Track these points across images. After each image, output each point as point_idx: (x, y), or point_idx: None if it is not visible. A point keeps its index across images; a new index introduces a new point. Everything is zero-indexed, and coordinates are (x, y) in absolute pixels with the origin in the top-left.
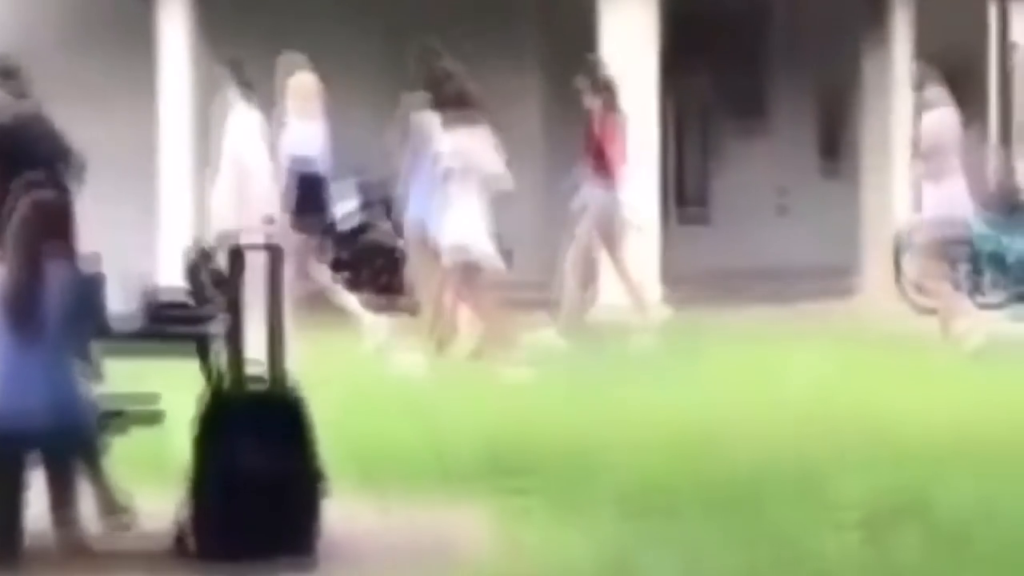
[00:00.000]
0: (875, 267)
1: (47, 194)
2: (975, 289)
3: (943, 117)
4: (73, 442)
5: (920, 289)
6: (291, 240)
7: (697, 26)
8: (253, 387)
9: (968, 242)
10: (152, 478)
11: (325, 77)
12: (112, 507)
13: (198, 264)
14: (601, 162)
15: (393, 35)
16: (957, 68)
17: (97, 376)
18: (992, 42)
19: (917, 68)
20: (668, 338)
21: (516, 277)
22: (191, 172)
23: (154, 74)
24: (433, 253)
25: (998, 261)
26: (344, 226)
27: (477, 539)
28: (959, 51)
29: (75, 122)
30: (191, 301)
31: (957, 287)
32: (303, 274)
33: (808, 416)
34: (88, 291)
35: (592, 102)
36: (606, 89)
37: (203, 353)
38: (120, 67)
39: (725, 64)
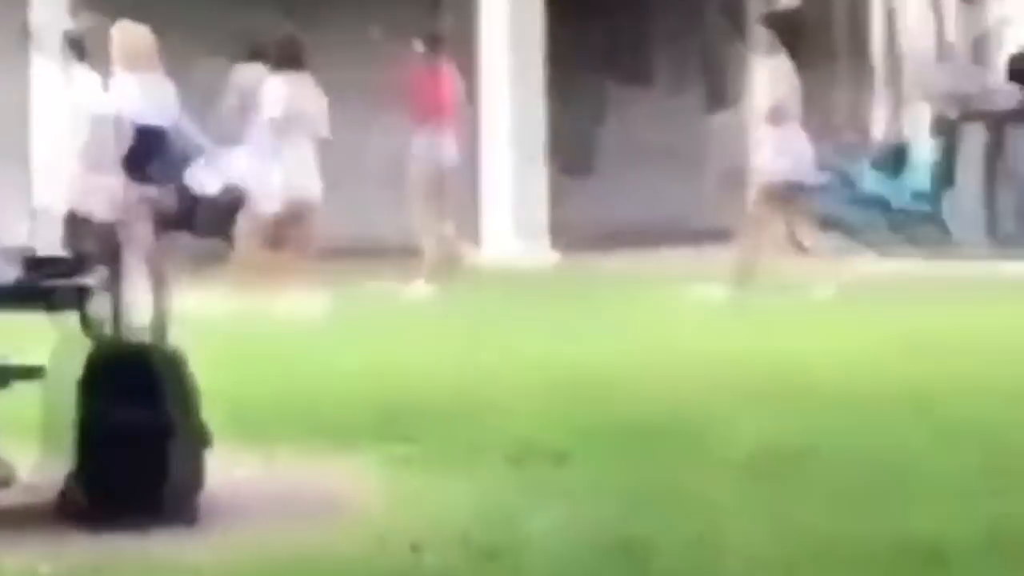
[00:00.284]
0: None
1: None
2: (863, 232)
3: (780, 67)
4: None
5: (749, 234)
6: (130, 197)
7: None
8: (134, 342)
9: (806, 189)
10: (34, 435)
11: (207, 48)
12: None
13: (75, 223)
14: (425, 112)
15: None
16: (840, 19)
17: None
18: None
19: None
20: (555, 284)
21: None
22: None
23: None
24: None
25: (883, 206)
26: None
27: (360, 490)
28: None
29: None
30: (70, 257)
31: (795, 234)
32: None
33: (695, 361)
34: None
35: (418, 50)
36: (433, 38)
37: (83, 308)
38: None
39: (611, 18)
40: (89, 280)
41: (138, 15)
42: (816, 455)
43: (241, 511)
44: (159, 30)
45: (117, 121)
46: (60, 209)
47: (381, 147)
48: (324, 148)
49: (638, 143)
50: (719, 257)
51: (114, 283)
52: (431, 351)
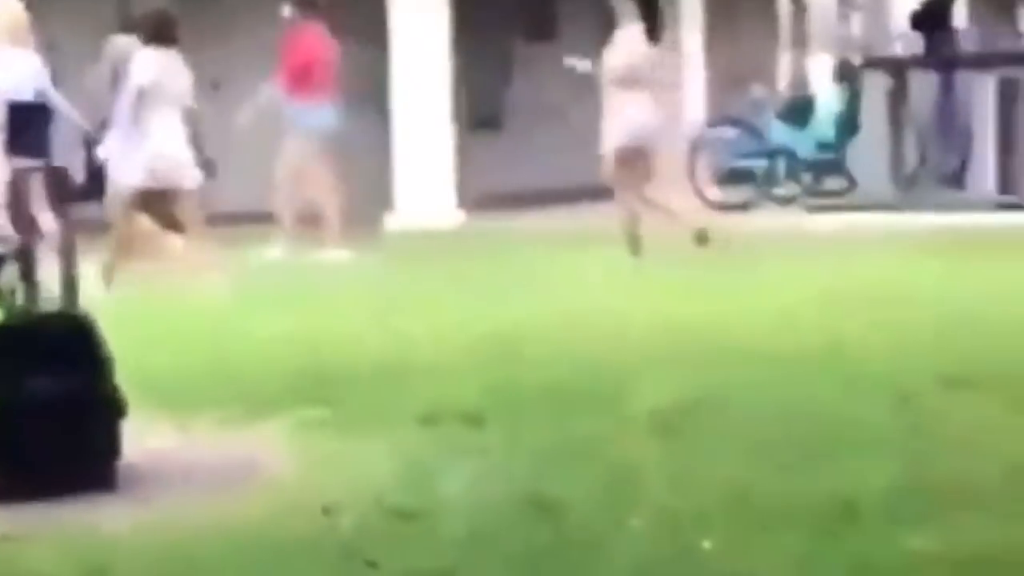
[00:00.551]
0: (668, 169)
1: None
2: (770, 183)
3: (631, 34)
4: None
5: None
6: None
7: None
8: (45, 310)
9: (651, 154)
10: None
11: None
12: None
13: None
14: (299, 78)
15: None
16: None
17: None
18: None
19: None
20: (464, 246)
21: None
22: None
23: None
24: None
25: (790, 156)
26: None
27: (275, 456)
28: None
29: None
30: None
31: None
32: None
33: (607, 321)
34: None
35: (289, 14)
36: (304, 3)
37: None
38: None
39: None
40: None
41: None
42: (728, 410)
43: (157, 479)
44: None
45: None
46: None
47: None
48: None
49: (544, 100)
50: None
51: (24, 253)
52: (344, 316)
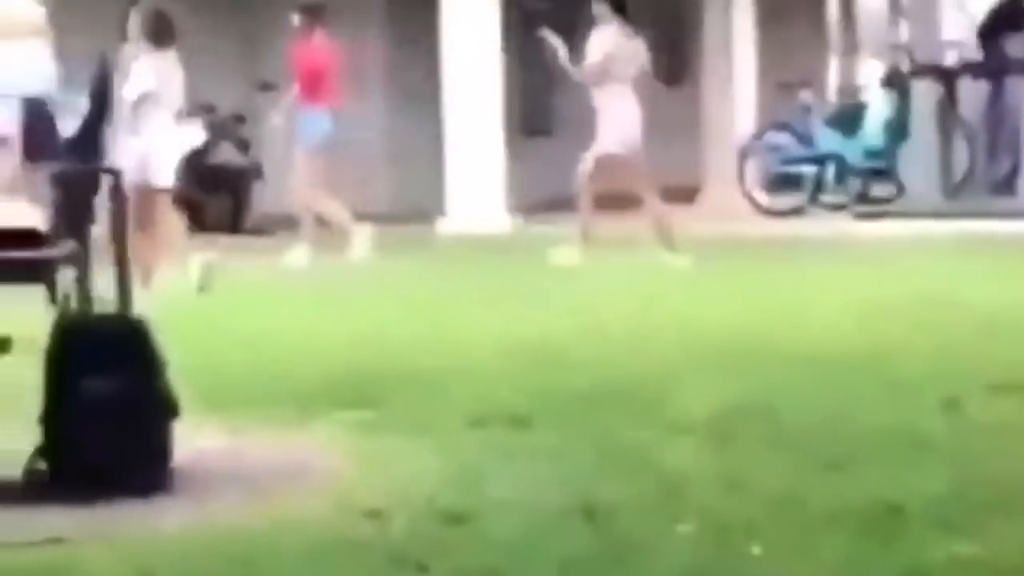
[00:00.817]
0: (718, 174)
1: None
2: (819, 189)
3: (608, 35)
4: None
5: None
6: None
7: None
8: (100, 312)
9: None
10: (2, 407)
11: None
12: None
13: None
14: (306, 85)
15: None
16: None
17: None
18: None
19: None
20: (513, 250)
21: (368, 205)
22: None
23: None
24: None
25: (840, 162)
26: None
27: (326, 458)
28: None
29: None
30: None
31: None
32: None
33: (655, 324)
34: None
35: (297, 23)
36: (309, 9)
37: (48, 279)
38: None
39: None
40: (54, 252)
41: None
42: (774, 414)
43: (208, 481)
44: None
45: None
46: None
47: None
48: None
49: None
50: (679, 219)
51: (79, 255)
52: (391, 319)
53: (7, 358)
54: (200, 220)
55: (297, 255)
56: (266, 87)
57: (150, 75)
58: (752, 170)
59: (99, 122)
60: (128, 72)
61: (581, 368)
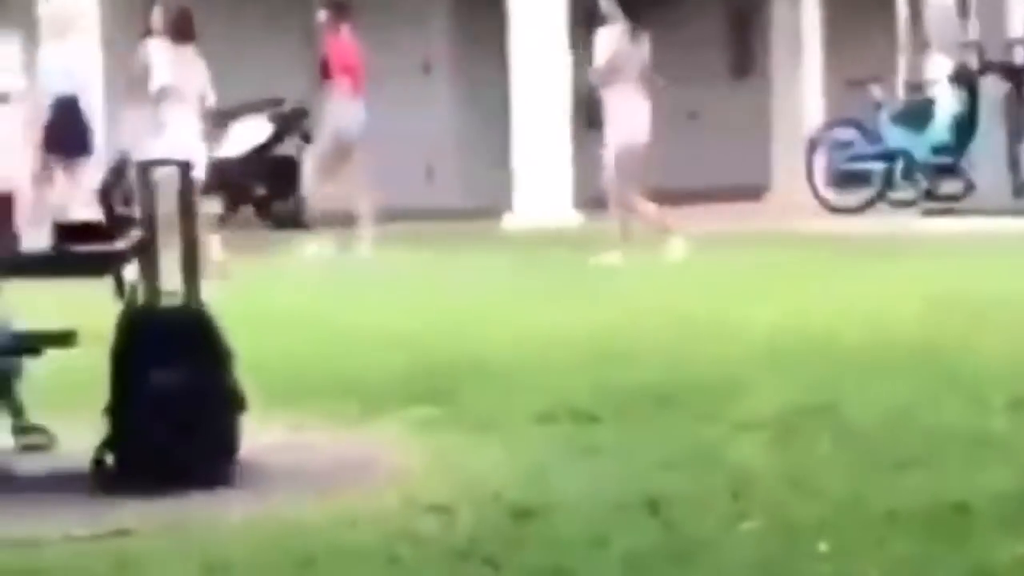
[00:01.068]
0: (785, 170)
1: None
2: (887, 186)
3: (615, 34)
4: None
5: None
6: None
7: None
8: (167, 305)
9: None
10: (70, 401)
11: (234, 14)
12: (27, 432)
13: (110, 184)
14: (331, 75)
15: None
16: None
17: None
18: None
19: None
20: (578, 245)
21: (435, 200)
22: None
23: None
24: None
25: (908, 159)
26: (257, 155)
27: (392, 453)
28: None
29: None
30: (103, 221)
31: None
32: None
33: (721, 324)
34: None
35: (322, 16)
36: (334, 4)
37: (116, 272)
38: None
39: None
40: (121, 245)
41: None
42: (839, 412)
43: (274, 476)
44: None
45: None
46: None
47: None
48: None
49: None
50: (742, 216)
51: (146, 247)
52: (459, 314)
53: (74, 350)
54: (266, 213)
55: (361, 248)
56: (295, 111)
57: (169, 70)
58: (820, 166)
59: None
60: (151, 67)
61: (645, 364)
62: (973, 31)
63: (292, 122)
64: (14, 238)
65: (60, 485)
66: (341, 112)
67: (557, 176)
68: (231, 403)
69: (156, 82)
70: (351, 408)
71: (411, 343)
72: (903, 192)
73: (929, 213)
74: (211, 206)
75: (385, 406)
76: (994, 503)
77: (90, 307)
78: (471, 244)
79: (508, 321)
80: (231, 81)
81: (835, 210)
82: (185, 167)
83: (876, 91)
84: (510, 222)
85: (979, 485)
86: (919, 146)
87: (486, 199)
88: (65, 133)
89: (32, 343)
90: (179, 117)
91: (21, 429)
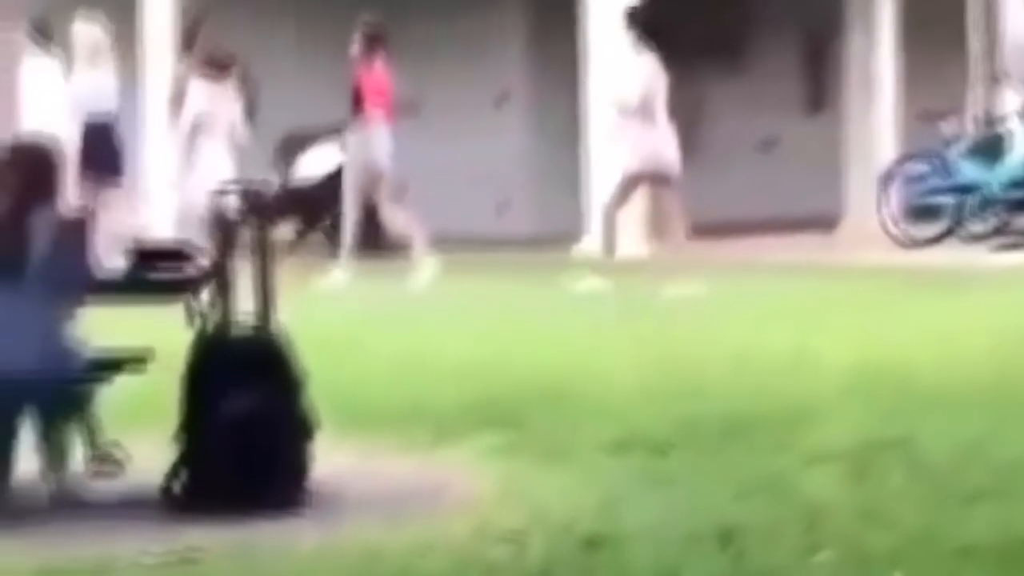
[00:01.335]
0: (857, 203)
1: (29, 142)
2: (960, 220)
3: (647, 64)
4: (61, 391)
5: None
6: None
7: None
8: (240, 331)
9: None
10: (141, 425)
11: (299, 42)
12: (101, 455)
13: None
14: (362, 107)
15: None
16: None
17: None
18: None
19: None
20: (653, 276)
21: (508, 228)
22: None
23: None
24: None
25: (981, 193)
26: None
27: (464, 480)
28: None
29: None
30: (179, 247)
31: None
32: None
33: (793, 355)
34: (73, 238)
35: (356, 49)
36: (369, 36)
37: (189, 297)
38: None
39: (709, 5)
40: (195, 269)
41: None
42: (912, 445)
43: (344, 500)
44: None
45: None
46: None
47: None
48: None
49: (735, 132)
50: (814, 247)
51: (220, 272)
52: (531, 342)
53: (147, 374)
54: (338, 240)
55: (421, 275)
56: (410, 107)
57: (203, 102)
58: (893, 200)
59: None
60: (184, 98)
61: (717, 395)
62: None
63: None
64: (91, 262)
65: (131, 508)
66: (373, 142)
67: (631, 205)
68: (302, 428)
69: (187, 115)
70: (423, 434)
71: (482, 370)
72: (975, 226)
73: (1001, 248)
74: (282, 232)
75: (456, 433)
76: None
77: (160, 331)
78: (543, 272)
79: (578, 349)
80: (302, 107)
81: (907, 243)
82: (256, 195)
83: (949, 125)
84: (582, 251)
85: None
86: (992, 181)
87: (559, 227)
88: (96, 157)
89: (105, 367)
90: (211, 152)
91: (95, 452)
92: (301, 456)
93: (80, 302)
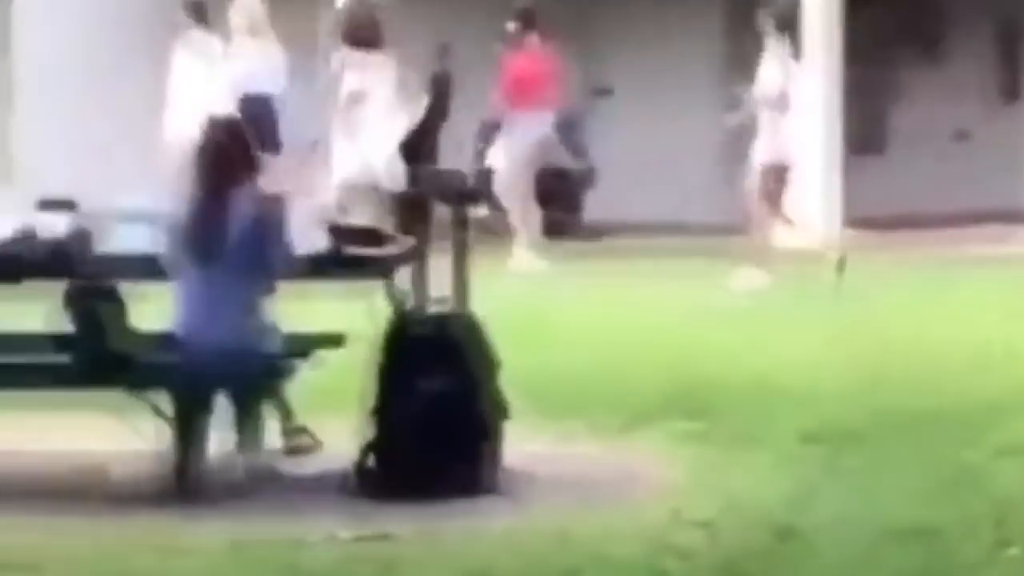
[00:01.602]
0: None
1: (225, 124)
2: None
3: (781, 58)
4: (257, 371)
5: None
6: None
7: None
8: (434, 312)
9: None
10: (334, 405)
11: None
12: (294, 434)
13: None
14: (514, 92)
15: None
16: None
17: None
18: None
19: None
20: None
21: (696, 218)
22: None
23: None
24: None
25: None
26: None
27: (656, 467)
28: None
29: None
30: (374, 228)
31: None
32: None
33: (984, 348)
34: (270, 220)
35: (511, 31)
36: (523, 18)
37: (386, 278)
38: None
39: None
40: (392, 250)
41: None
42: None
43: (536, 485)
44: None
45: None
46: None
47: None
48: None
49: (929, 124)
50: (1007, 241)
51: (417, 254)
52: (722, 330)
53: (340, 354)
54: (532, 224)
55: (527, 258)
56: (601, 92)
57: (357, 77)
58: None
59: (438, 122)
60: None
61: (906, 388)
62: None
63: (561, 134)
64: (287, 242)
65: (325, 487)
66: (527, 127)
67: (824, 195)
68: (496, 411)
69: (344, 89)
70: (615, 420)
71: (674, 357)
72: None
73: None
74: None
75: (649, 420)
76: None
77: (352, 311)
78: (732, 261)
79: (768, 340)
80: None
81: None
82: (464, 178)
83: None
84: (777, 242)
85: None
86: None
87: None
88: (255, 131)
89: (301, 346)
90: (370, 127)
91: (289, 431)
92: (494, 439)
93: (276, 282)
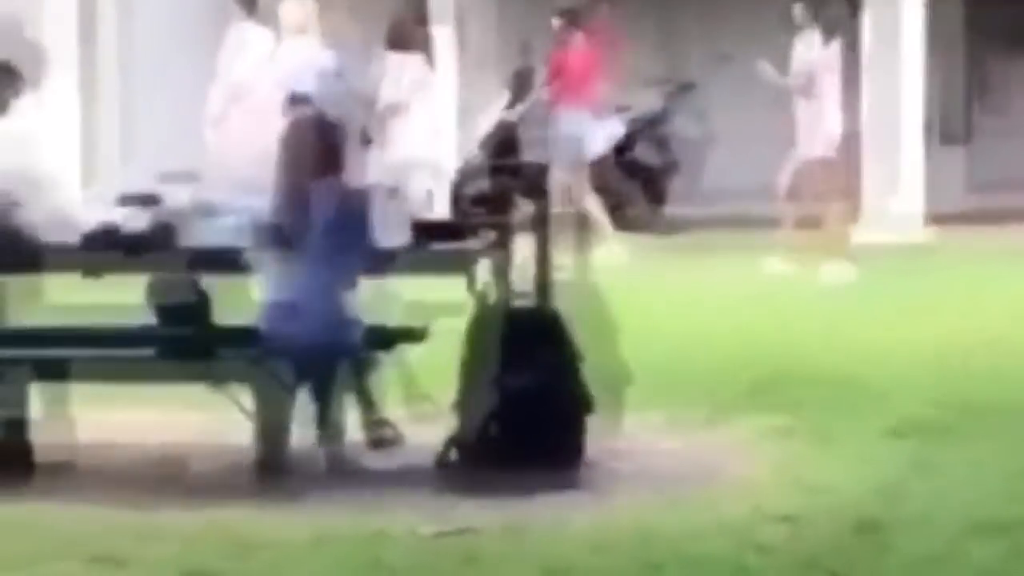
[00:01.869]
0: None
1: (312, 114)
2: None
3: (812, 41)
4: (341, 360)
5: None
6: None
7: None
8: (519, 304)
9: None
10: (418, 396)
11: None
12: (378, 424)
13: (462, 183)
14: (561, 88)
15: None
16: None
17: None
18: None
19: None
20: (928, 261)
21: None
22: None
23: None
24: None
25: None
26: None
27: (739, 460)
28: None
29: None
30: (457, 221)
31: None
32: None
33: None
34: (355, 209)
35: (557, 27)
36: (566, 16)
37: (469, 270)
38: None
39: None
40: (475, 244)
41: None
42: None
43: (618, 479)
44: None
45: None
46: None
47: None
48: None
49: (1016, 115)
50: None
51: (501, 247)
52: (805, 324)
53: (424, 347)
54: (619, 217)
55: (613, 249)
56: (683, 87)
57: (394, 80)
58: None
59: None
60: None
61: (992, 382)
62: None
63: (645, 127)
64: (374, 233)
65: (407, 480)
66: (574, 126)
67: (908, 190)
68: (579, 405)
69: (382, 96)
70: (698, 414)
71: (758, 352)
72: None
73: None
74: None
75: (732, 414)
76: None
77: (443, 303)
78: (820, 253)
79: (854, 334)
80: None
81: None
82: (539, 170)
83: None
84: (858, 235)
85: None
86: None
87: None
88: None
89: (384, 338)
90: (407, 133)
91: (372, 423)
92: (577, 433)
93: (362, 273)
